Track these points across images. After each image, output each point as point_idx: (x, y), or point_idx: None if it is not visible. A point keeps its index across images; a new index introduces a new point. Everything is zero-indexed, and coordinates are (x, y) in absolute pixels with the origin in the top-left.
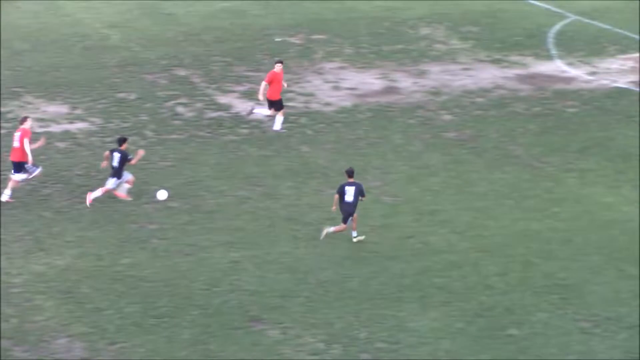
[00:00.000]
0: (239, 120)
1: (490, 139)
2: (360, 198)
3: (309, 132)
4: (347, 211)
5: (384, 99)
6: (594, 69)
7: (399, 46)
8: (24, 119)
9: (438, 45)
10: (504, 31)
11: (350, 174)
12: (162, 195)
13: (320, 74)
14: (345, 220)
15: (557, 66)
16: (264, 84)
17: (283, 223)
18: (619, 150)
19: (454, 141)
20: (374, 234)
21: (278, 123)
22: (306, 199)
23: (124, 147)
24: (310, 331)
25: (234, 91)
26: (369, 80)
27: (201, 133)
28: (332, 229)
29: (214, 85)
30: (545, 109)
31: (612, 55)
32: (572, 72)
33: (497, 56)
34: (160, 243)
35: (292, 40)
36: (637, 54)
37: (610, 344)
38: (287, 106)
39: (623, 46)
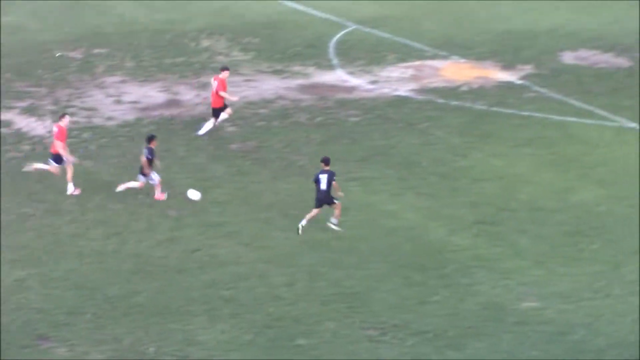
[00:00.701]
0: (21, 136)
1: (274, 150)
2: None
3: (92, 147)
4: (320, 199)
5: (167, 112)
6: (375, 78)
7: (181, 59)
8: (62, 116)
9: (220, 57)
10: (285, 42)
11: (326, 162)
12: (194, 195)
13: (102, 88)
14: (317, 206)
15: (338, 76)
16: (221, 92)
17: (68, 239)
18: (401, 158)
19: (238, 152)
20: (160, 248)
21: (205, 128)
22: (91, 215)
23: (152, 144)
24: (98, 347)
25: (15, 107)
26: (152, 94)
27: None
28: (304, 221)
29: None
30: (327, 118)
31: (393, 64)
32: (354, 81)
33: (279, 67)
34: None
35: (72, 54)
36: (417, 62)
37: (399, 351)
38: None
39: (403, 54)
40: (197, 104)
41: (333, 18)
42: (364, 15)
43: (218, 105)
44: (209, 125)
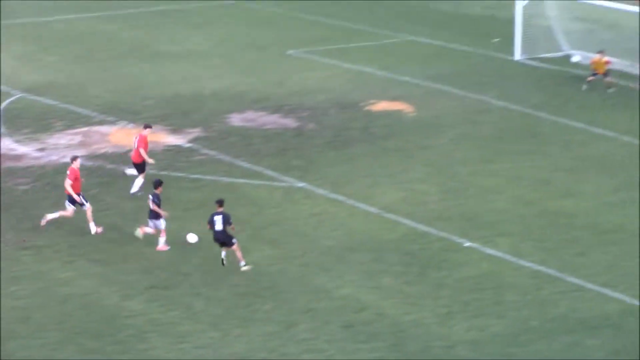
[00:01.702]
0: None
1: None
2: (228, 226)
3: None
4: (219, 239)
5: None
6: (42, 145)
7: None
8: (74, 158)
9: None
10: None
11: (220, 203)
12: (192, 238)
13: None
14: (223, 246)
15: (5, 144)
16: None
17: None
18: (72, 226)
19: None
20: None
21: (137, 186)
22: None
23: (159, 190)
24: None
25: None
26: None
27: None
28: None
29: None
30: None
31: (60, 131)
32: (21, 149)
33: None
34: None
35: None
36: (85, 128)
37: None
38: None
39: (70, 121)
40: None
41: None
42: (29, 83)
43: (138, 160)
44: (138, 182)
